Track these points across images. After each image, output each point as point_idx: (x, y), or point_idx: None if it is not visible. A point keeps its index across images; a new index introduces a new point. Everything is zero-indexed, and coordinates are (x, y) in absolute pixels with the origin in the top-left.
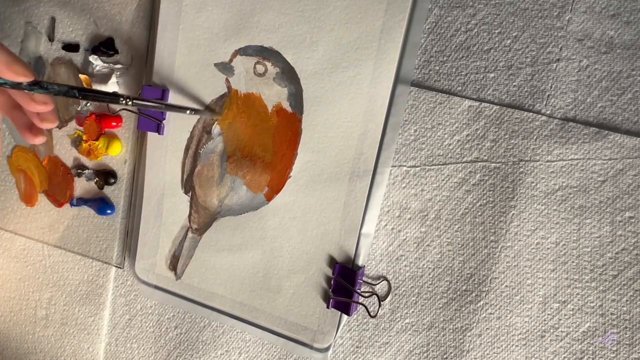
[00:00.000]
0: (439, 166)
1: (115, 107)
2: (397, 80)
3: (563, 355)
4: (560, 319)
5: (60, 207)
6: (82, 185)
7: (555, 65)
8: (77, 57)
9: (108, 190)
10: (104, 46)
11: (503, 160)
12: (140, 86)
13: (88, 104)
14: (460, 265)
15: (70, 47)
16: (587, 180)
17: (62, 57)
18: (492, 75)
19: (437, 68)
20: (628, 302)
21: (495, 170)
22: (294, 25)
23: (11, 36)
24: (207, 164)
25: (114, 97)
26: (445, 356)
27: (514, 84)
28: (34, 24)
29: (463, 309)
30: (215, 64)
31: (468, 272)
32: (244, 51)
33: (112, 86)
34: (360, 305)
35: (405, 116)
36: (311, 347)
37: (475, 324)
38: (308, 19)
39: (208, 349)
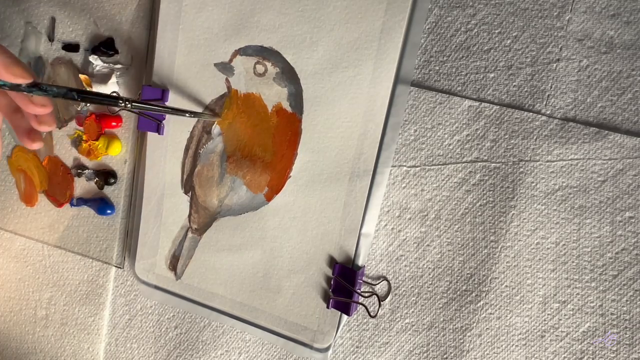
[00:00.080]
0: (439, 166)
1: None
2: (397, 80)
3: (563, 355)
4: (560, 319)
5: (60, 207)
6: (82, 185)
7: (555, 65)
8: (77, 57)
9: (108, 190)
10: (104, 46)
11: (503, 160)
12: (140, 86)
13: (88, 105)
14: (460, 265)
15: (70, 47)
16: (587, 180)
17: (62, 57)
18: (492, 75)
19: (437, 68)
20: (628, 302)
21: (495, 170)
22: (294, 25)
23: (11, 36)
24: (207, 164)
25: (114, 99)
26: (445, 356)
27: (514, 84)
28: (34, 24)
29: (463, 309)
30: (215, 64)
31: (468, 272)
32: (244, 51)
33: (112, 86)
34: (360, 305)
35: (405, 116)
36: (311, 347)
37: (475, 324)
38: (308, 19)
39: (208, 349)
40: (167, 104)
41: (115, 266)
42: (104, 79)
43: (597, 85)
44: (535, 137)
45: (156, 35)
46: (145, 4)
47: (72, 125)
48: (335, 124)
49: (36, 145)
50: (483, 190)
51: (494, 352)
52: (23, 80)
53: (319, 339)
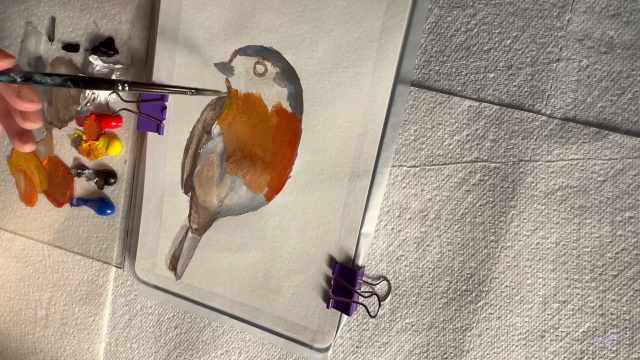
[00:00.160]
0: (439, 166)
1: (115, 107)
2: (397, 80)
3: (563, 355)
4: (560, 319)
5: (60, 207)
6: (82, 185)
7: (555, 65)
8: (77, 57)
9: (108, 190)
10: (104, 46)
11: (503, 160)
12: None
13: (88, 104)
14: (460, 265)
15: (70, 47)
16: (587, 180)
17: (62, 57)
18: (492, 75)
19: (437, 68)
20: (628, 302)
21: (495, 170)
22: (294, 25)
23: (11, 36)
24: (207, 164)
25: (109, 82)
26: (445, 356)
27: (514, 84)
28: (34, 24)
29: (463, 309)
30: (215, 64)
31: (468, 272)
32: (244, 51)
33: None
34: (360, 305)
35: (405, 116)
36: (311, 347)
37: (475, 324)
38: (308, 19)
39: (208, 349)
40: (167, 104)
41: (115, 266)
42: None
43: (597, 85)
44: (535, 137)
45: (156, 35)
46: (145, 4)
47: (72, 125)
48: (335, 124)
49: (28, 148)
50: (483, 190)
51: (494, 352)
52: (6, 64)
53: (319, 339)
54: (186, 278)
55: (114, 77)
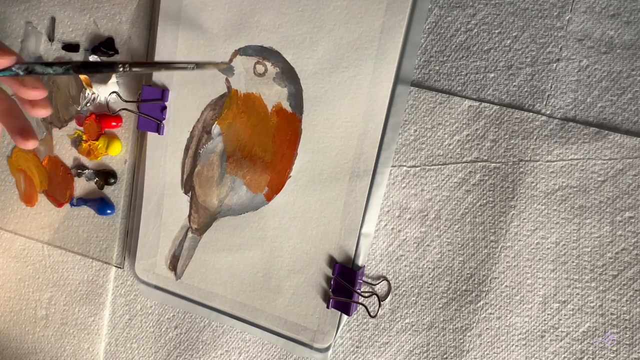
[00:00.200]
0: (439, 166)
1: (115, 107)
2: (397, 80)
3: (563, 355)
4: (560, 319)
5: (60, 207)
6: (82, 185)
7: (555, 65)
8: (77, 57)
9: (108, 190)
10: (104, 46)
11: (503, 160)
12: (140, 86)
13: (88, 104)
14: (460, 265)
15: (70, 47)
16: (587, 180)
17: (62, 57)
18: (492, 75)
19: (437, 68)
20: (628, 302)
21: (495, 170)
22: (294, 25)
23: (11, 36)
24: (207, 164)
25: (112, 65)
26: (445, 356)
27: (514, 84)
28: (34, 24)
29: (463, 309)
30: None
31: (468, 272)
32: (244, 51)
33: (112, 86)
34: (360, 305)
35: (405, 116)
36: (311, 347)
37: (475, 324)
38: (308, 19)
39: (208, 349)
40: (167, 104)
41: (115, 266)
42: (104, 79)
43: (597, 85)
44: (535, 137)
45: (156, 35)
46: (145, 4)
47: (72, 125)
48: (335, 124)
49: (30, 145)
50: (483, 190)
51: (494, 352)
52: (8, 62)
53: (319, 339)
54: (186, 278)
55: (113, 77)
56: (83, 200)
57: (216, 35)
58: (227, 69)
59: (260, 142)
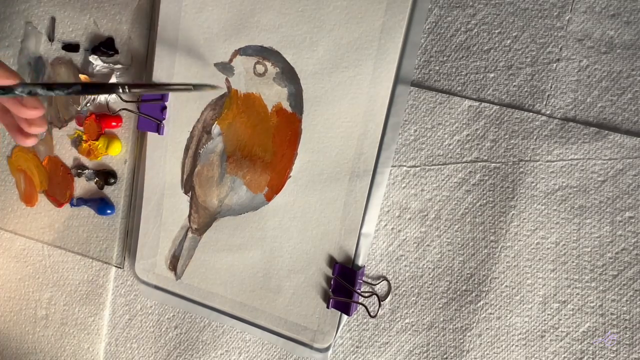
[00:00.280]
0: (439, 166)
1: (115, 107)
2: (397, 80)
3: (563, 355)
4: (560, 319)
5: (60, 207)
6: (82, 185)
7: (555, 65)
8: (77, 57)
9: (108, 190)
10: (104, 46)
11: (503, 160)
12: None
13: (88, 104)
14: (460, 265)
15: (70, 47)
16: (587, 180)
17: (62, 57)
18: (492, 75)
19: (437, 68)
20: (628, 302)
21: (495, 170)
22: (294, 25)
23: (11, 36)
24: (207, 164)
25: (112, 87)
26: (445, 356)
27: (514, 84)
28: (34, 24)
29: (463, 309)
30: (215, 64)
31: (468, 272)
32: (244, 51)
33: None
34: (360, 305)
35: (405, 116)
36: (311, 347)
37: (475, 324)
38: (308, 19)
39: (208, 349)
40: (167, 104)
41: (115, 266)
42: (104, 79)
43: (597, 85)
44: (535, 137)
45: (156, 35)
46: (145, 4)
47: (72, 125)
48: (335, 124)
49: (30, 142)
50: (483, 190)
51: (494, 352)
52: (8, 82)
53: (319, 339)
54: (186, 278)
55: (114, 77)
56: (83, 200)
57: (216, 35)
58: (227, 69)
59: (260, 142)
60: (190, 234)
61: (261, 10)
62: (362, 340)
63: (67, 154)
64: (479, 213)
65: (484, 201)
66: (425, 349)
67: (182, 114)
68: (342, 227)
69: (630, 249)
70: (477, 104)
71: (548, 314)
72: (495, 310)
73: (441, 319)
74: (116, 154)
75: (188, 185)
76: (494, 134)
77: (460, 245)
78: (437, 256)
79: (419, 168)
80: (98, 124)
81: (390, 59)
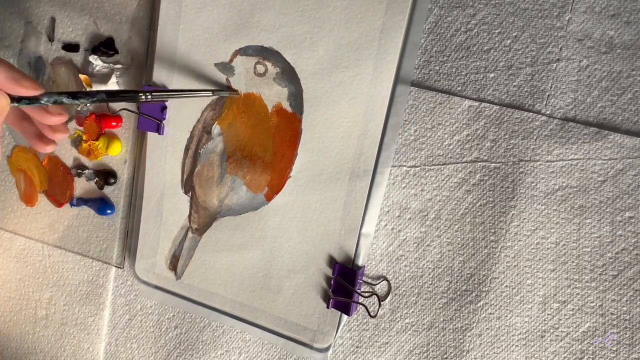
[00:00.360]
0: (439, 166)
1: (115, 107)
2: (397, 80)
3: (563, 355)
4: (560, 319)
5: (60, 207)
6: (82, 185)
7: (555, 65)
8: (77, 57)
9: (108, 190)
10: (104, 46)
11: (503, 160)
12: (140, 86)
13: (88, 104)
14: (460, 265)
15: (70, 47)
16: (587, 180)
17: (62, 57)
18: (492, 75)
19: (437, 68)
20: (628, 302)
21: (495, 170)
22: (294, 25)
23: (11, 36)
24: (207, 164)
25: (133, 93)
26: (445, 356)
27: (514, 84)
28: (34, 24)
29: (463, 309)
30: (215, 64)
31: (468, 272)
32: (244, 51)
33: (112, 86)
34: (360, 305)
35: (405, 116)
36: (311, 347)
37: (475, 324)
38: (308, 19)
39: (208, 349)
40: (167, 104)
41: (115, 266)
42: (104, 79)
43: (597, 85)
44: (535, 137)
45: (156, 35)
46: (145, 4)
47: (72, 125)
48: (335, 124)
49: (50, 148)
50: (483, 190)
51: (494, 352)
52: (34, 92)
53: (319, 339)
54: (186, 278)
55: (113, 77)
56: (83, 200)
57: (216, 35)
58: (227, 69)
59: (261, 142)
60: (190, 234)
61: (261, 10)
62: (362, 340)
63: (67, 154)
64: (479, 213)
65: (484, 201)
66: (425, 349)
67: (182, 114)
68: (342, 227)
69: (630, 249)
70: (477, 104)
71: (548, 314)
72: (495, 310)
73: (441, 319)
74: (116, 154)
75: (188, 185)
76: (494, 134)
77: (460, 245)
78: (437, 256)
79: (419, 168)
80: (98, 124)
81: (390, 59)
